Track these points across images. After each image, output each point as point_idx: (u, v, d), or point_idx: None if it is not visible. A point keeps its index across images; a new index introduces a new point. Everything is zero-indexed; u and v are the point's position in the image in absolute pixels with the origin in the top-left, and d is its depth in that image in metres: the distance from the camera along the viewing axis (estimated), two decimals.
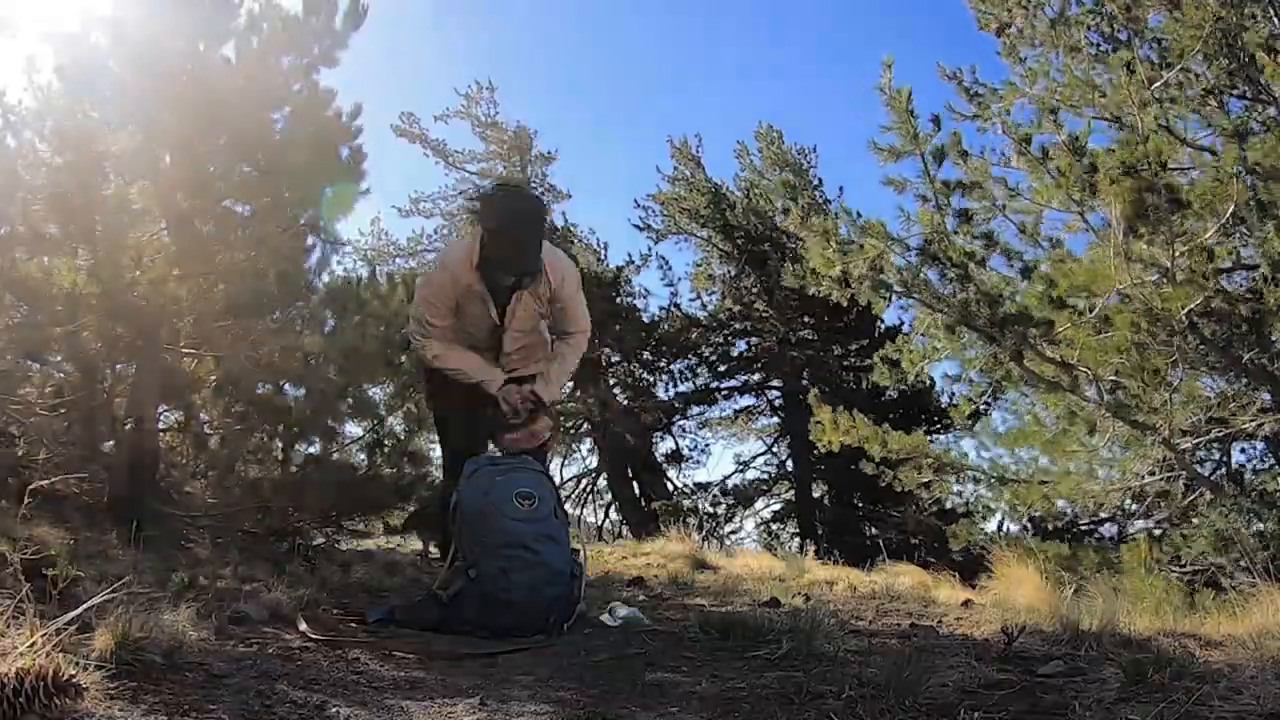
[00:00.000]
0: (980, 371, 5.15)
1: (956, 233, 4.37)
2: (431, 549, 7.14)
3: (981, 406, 6.25)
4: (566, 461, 14.12)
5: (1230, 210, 3.58)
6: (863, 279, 4.37)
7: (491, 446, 3.01)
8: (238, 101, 3.79)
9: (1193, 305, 3.70)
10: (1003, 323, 4.11)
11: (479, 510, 2.57)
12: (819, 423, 5.48)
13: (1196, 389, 4.55)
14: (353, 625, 2.51)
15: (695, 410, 14.18)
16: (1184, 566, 4.73)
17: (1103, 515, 5.66)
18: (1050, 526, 5.84)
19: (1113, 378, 4.14)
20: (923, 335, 5.09)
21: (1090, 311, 3.91)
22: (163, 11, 3.76)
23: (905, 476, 5.22)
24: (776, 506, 14.00)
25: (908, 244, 4.44)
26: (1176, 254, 3.64)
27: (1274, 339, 3.94)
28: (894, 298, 4.66)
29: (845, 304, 4.78)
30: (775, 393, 14.35)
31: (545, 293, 2.90)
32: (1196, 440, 4.87)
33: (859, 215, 4.53)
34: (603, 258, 13.83)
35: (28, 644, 1.23)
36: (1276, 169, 3.59)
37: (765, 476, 14.05)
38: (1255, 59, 4.00)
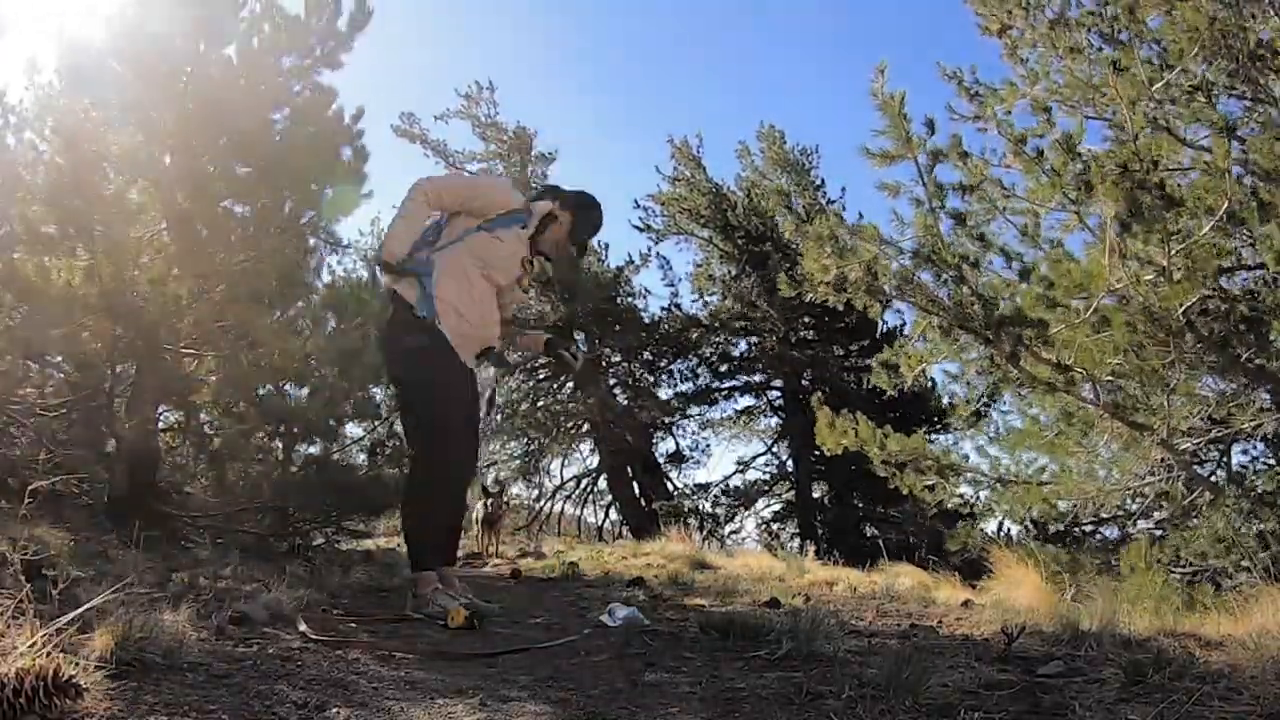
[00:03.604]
0: (978, 373, 5.14)
1: (951, 236, 4.38)
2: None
3: (981, 407, 6.24)
4: (566, 461, 14.14)
5: (1225, 207, 3.57)
6: (858, 284, 4.38)
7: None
8: (238, 102, 3.79)
9: (1189, 303, 3.69)
10: (998, 325, 4.11)
11: None
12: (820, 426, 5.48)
13: (1195, 389, 4.54)
14: (353, 625, 2.51)
15: (695, 410, 14.18)
16: (1184, 567, 4.73)
17: (1104, 516, 5.65)
18: (1051, 529, 5.84)
19: (1109, 378, 4.13)
20: (920, 338, 5.08)
21: (1086, 311, 3.90)
22: (164, 11, 3.76)
23: (907, 480, 5.21)
24: (777, 507, 14.00)
25: (900, 248, 4.44)
26: (1172, 252, 3.62)
27: (1272, 339, 3.93)
28: (890, 301, 4.66)
29: (842, 308, 4.81)
30: (776, 393, 14.34)
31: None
32: (1197, 441, 4.87)
33: (847, 219, 4.56)
34: (603, 258, 13.82)
35: (28, 644, 1.23)
36: (1274, 169, 3.58)
37: (765, 477, 14.05)
38: (1254, 59, 4.00)
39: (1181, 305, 3.65)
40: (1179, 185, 3.67)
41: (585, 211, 3.19)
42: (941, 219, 4.34)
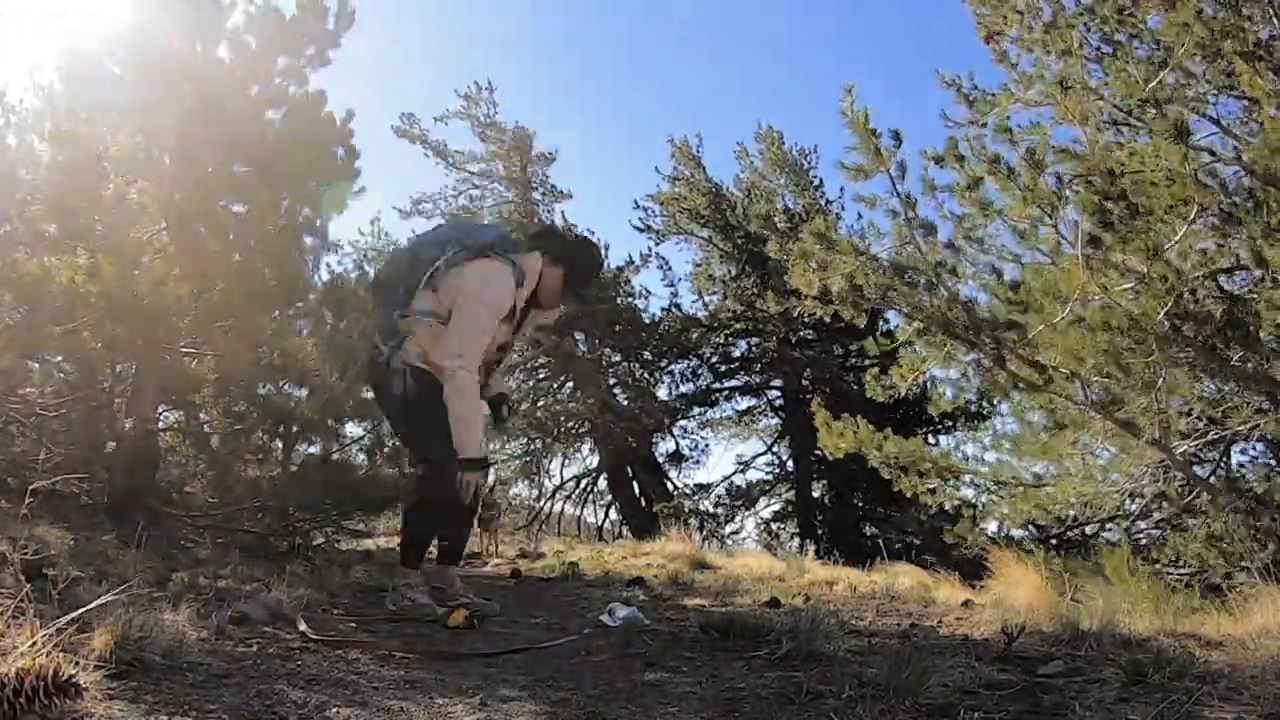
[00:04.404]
0: (966, 377, 5.17)
1: (925, 245, 4.42)
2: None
3: (975, 411, 6.27)
4: (567, 461, 14.14)
5: (1194, 211, 3.58)
6: (843, 295, 4.44)
7: None
8: (234, 101, 3.79)
9: (1168, 309, 3.70)
10: (978, 329, 4.14)
11: None
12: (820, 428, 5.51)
13: (1186, 390, 4.54)
14: (353, 625, 2.51)
15: (696, 411, 14.17)
16: (1183, 568, 4.74)
17: (1103, 516, 5.66)
18: (1051, 530, 5.85)
19: (1096, 379, 4.15)
20: (909, 344, 5.11)
21: (1065, 313, 3.92)
22: (161, 12, 3.76)
23: (908, 481, 5.23)
24: (777, 506, 14.00)
25: (877, 259, 4.51)
26: (1150, 259, 3.64)
27: (1264, 339, 3.93)
28: (879, 311, 4.72)
29: (829, 319, 4.88)
30: (776, 393, 14.34)
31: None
32: (1195, 442, 4.87)
33: (843, 222, 4.62)
34: (602, 258, 13.81)
35: (28, 644, 1.23)
36: (1270, 170, 3.58)
37: (766, 477, 14.05)
38: (1251, 59, 4.00)
39: (1160, 311, 3.67)
40: (1145, 191, 3.68)
41: (578, 263, 3.17)
42: (916, 229, 4.41)
